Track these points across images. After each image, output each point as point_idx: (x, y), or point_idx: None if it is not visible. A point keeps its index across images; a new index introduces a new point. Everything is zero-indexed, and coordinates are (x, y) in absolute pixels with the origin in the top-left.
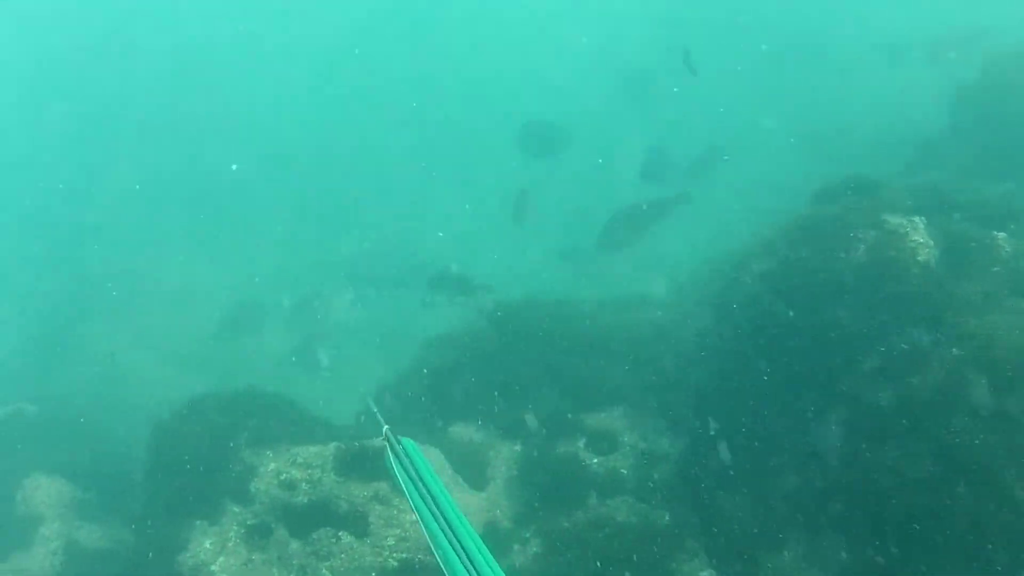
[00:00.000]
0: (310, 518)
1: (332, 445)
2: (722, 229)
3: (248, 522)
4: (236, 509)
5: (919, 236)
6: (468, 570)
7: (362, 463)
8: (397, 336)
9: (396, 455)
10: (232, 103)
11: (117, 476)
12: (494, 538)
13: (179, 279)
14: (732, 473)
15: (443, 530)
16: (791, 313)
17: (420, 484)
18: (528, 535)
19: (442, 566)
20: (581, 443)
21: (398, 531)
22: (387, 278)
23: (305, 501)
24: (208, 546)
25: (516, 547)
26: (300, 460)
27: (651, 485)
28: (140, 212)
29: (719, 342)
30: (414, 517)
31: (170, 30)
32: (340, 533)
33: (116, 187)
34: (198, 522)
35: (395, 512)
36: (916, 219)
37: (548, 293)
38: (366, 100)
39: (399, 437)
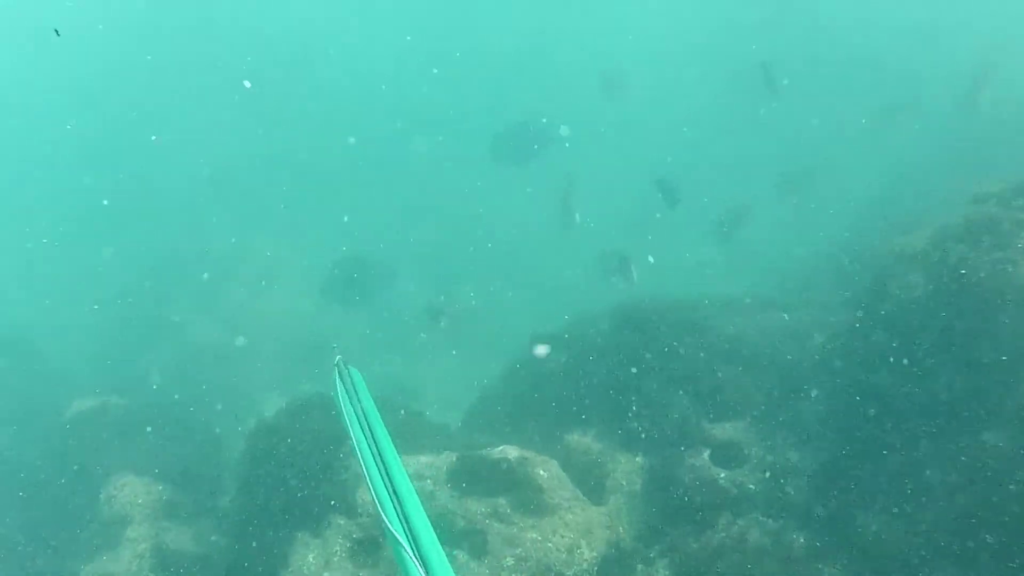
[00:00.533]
0: None
1: (446, 455)
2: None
3: (355, 536)
4: (342, 521)
5: None
6: (391, 498)
7: (480, 476)
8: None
9: (343, 383)
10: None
11: (210, 477)
12: (616, 557)
13: (267, 261)
14: (872, 493)
15: (375, 460)
16: (952, 327)
17: (362, 414)
18: (653, 555)
19: (373, 495)
20: (706, 455)
21: (518, 550)
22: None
23: None
24: (311, 560)
25: (640, 567)
26: (411, 470)
27: (782, 503)
28: (226, 192)
29: (860, 350)
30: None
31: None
32: (455, 552)
33: (203, 167)
34: (299, 534)
35: (515, 531)
36: None
37: (667, 292)
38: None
39: (349, 367)
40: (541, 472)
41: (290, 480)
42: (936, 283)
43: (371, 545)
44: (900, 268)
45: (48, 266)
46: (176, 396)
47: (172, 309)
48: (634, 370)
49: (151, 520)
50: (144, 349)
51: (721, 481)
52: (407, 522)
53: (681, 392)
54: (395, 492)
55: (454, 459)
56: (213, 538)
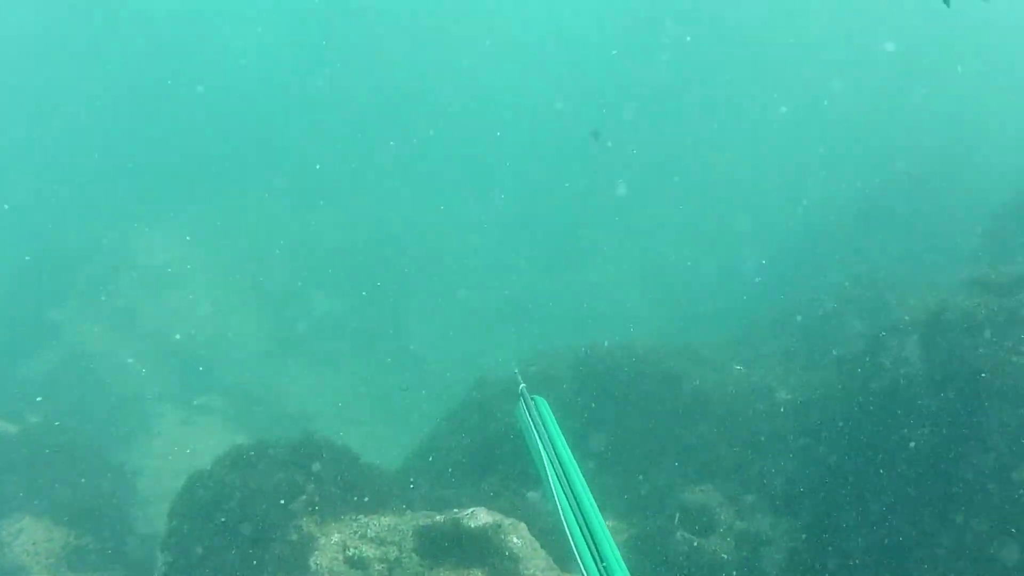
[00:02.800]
0: None
1: (410, 516)
2: None
3: None
4: None
5: None
6: (583, 532)
7: (450, 544)
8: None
9: (528, 412)
10: None
11: (120, 520)
12: None
13: (162, 259)
14: (856, 564)
15: (564, 490)
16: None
17: (547, 443)
18: None
19: (566, 529)
20: (675, 520)
21: None
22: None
23: None
24: None
25: None
26: (371, 533)
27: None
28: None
29: (840, 418)
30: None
31: None
32: None
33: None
34: None
35: None
36: None
37: (626, 338)
38: None
39: (533, 396)
40: (514, 540)
41: (230, 536)
42: (933, 361)
43: None
44: (894, 339)
45: None
46: (68, 419)
47: (56, 312)
48: (598, 427)
49: (51, 570)
50: (26, 358)
51: (693, 550)
52: (603, 562)
53: (648, 451)
54: (589, 530)
55: (420, 522)
56: None
